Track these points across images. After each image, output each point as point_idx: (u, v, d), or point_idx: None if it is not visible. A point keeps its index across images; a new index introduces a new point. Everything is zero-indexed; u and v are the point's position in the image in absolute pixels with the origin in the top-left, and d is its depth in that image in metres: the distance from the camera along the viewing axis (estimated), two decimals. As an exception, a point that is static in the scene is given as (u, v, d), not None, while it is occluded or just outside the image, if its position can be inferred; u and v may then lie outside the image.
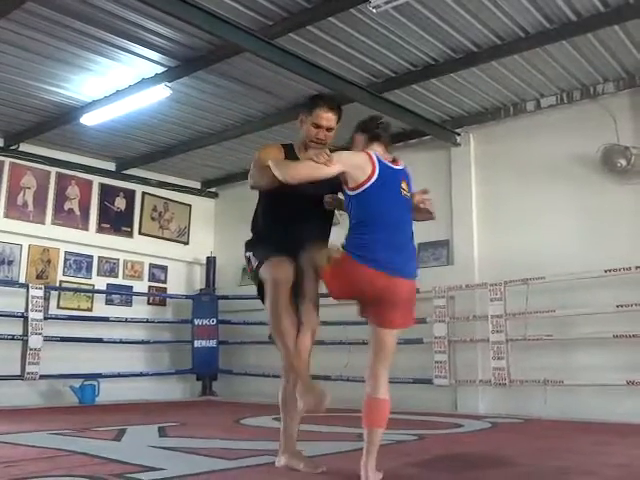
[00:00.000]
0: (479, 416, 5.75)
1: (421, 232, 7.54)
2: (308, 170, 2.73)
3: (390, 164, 2.80)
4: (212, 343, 8.07)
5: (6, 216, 7.15)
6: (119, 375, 7.48)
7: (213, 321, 8.13)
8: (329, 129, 2.98)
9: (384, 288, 2.64)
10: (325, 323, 6.53)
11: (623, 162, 5.67)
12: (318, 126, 2.96)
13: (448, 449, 3.86)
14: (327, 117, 2.96)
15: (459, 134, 6.81)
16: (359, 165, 2.71)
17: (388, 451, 3.75)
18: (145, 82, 5.77)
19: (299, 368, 2.74)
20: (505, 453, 3.59)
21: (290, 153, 3.02)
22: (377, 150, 2.81)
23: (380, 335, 2.74)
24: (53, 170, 7.60)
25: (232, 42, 4.82)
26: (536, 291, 5.80)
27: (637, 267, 5.32)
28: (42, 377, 6.75)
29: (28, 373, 6.60)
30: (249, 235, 3.17)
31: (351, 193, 2.73)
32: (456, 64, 5.52)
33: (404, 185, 2.81)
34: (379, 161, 2.74)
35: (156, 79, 5.70)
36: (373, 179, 2.69)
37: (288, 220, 2.95)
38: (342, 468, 3.08)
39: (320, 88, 5.78)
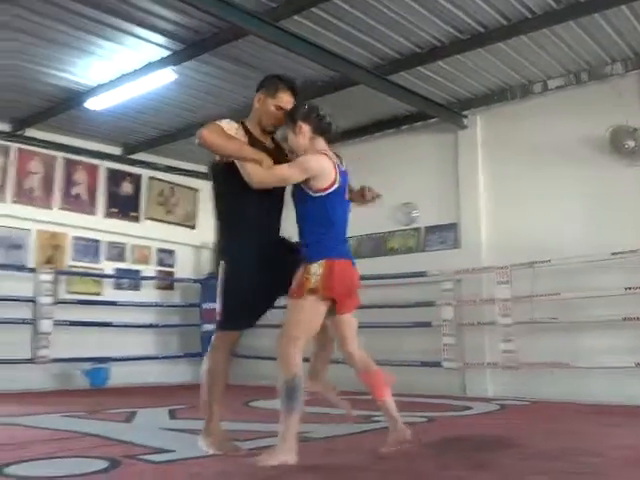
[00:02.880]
0: (488, 398, 5.78)
1: (428, 216, 7.56)
2: (276, 179, 2.85)
3: (341, 168, 2.91)
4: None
5: (14, 201, 7.18)
6: (129, 358, 7.55)
7: (221, 305, 8.14)
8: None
9: (354, 273, 2.92)
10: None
11: (631, 143, 5.63)
12: (280, 108, 2.99)
13: (457, 431, 3.89)
14: (290, 100, 3.01)
15: (466, 116, 6.78)
16: (325, 172, 2.81)
17: (397, 433, 3.78)
18: (151, 66, 5.75)
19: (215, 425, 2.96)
20: (513, 435, 3.61)
21: (248, 134, 2.98)
22: (322, 145, 2.92)
23: (348, 319, 2.94)
24: (60, 155, 7.60)
25: (237, 25, 4.79)
26: (543, 274, 5.79)
27: (645, 249, 5.31)
28: (53, 361, 6.82)
29: (39, 357, 6.67)
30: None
31: (314, 195, 2.83)
32: (462, 45, 5.47)
33: (347, 188, 2.97)
34: (338, 167, 2.87)
35: (162, 63, 5.68)
36: (335, 186, 2.84)
37: (258, 215, 2.94)
38: (354, 449, 3.12)
39: (325, 70, 5.77)
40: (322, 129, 2.92)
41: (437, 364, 6.32)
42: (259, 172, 2.81)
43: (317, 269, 2.75)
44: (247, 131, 2.99)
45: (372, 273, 6.80)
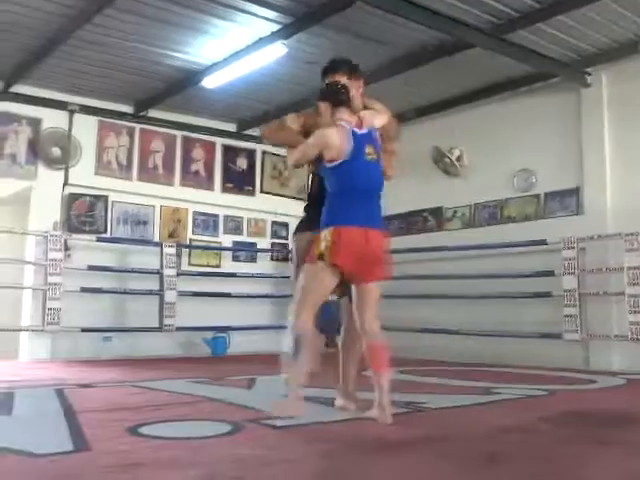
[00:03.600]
0: (613, 372, 5.49)
1: (548, 181, 7.22)
2: (298, 156, 3.10)
3: (357, 131, 2.99)
4: (332, 297, 8.20)
5: (139, 179, 7.62)
6: (247, 328, 7.85)
7: (334, 276, 8.24)
8: None
9: (368, 242, 2.89)
10: (441, 277, 6.46)
11: None
12: None
13: (580, 405, 3.73)
14: (337, 79, 3.20)
15: (589, 74, 6.34)
16: (333, 144, 2.94)
17: (519, 405, 3.70)
18: (262, 41, 5.82)
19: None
20: (642, 410, 3.42)
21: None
22: (343, 115, 3.02)
23: (363, 289, 3.02)
24: (179, 134, 7.94)
25: (345, -7, 4.75)
26: (678, 240, 5.38)
27: None
28: (178, 329, 7.23)
29: (165, 325, 7.10)
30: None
31: (328, 165, 2.98)
32: (586, -4, 5.10)
33: (368, 149, 2.98)
34: (353, 134, 2.96)
35: (272, 37, 5.73)
36: (347, 154, 2.93)
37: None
38: (469, 421, 3.07)
39: (437, 34, 5.59)
40: (340, 102, 3.06)
41: (558, 336, 6.07)
42: (290, 153, 3.16)
43: (326, 235, 2.88)
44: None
45: (488, 242, 6.62)
